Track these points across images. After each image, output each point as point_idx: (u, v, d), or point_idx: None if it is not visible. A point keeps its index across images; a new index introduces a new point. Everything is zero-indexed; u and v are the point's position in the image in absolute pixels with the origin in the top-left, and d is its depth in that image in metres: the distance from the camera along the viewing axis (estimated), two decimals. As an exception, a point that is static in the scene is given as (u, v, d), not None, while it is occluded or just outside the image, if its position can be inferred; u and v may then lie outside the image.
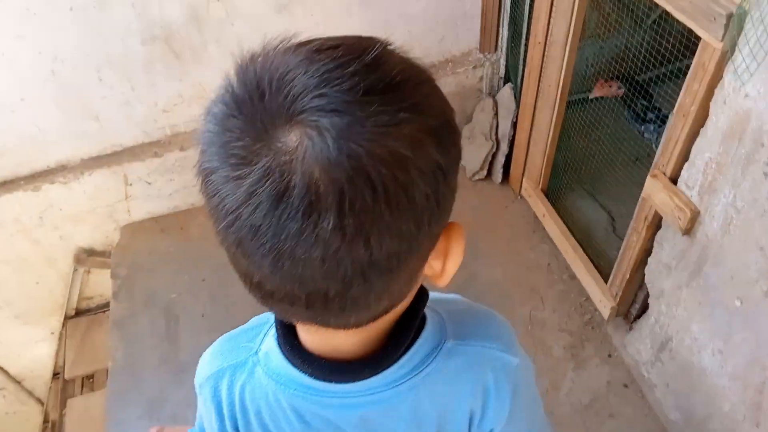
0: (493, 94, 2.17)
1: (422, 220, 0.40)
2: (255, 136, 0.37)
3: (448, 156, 0.41)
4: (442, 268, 0.48)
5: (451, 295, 0.65)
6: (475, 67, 2.11)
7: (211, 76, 1.87)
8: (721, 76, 1.05)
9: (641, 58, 1.79)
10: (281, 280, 0.41)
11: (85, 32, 1.69)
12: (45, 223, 2.07)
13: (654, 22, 2.05)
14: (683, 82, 1.15)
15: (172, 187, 2.12)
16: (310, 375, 0.52)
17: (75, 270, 2.21)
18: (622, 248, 1.55)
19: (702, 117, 1.13)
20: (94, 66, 1.77)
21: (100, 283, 2.32)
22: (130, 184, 2.07)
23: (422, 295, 0.53)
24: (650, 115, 1.75)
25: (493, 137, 2.11)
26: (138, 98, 1.89)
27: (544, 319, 1.84)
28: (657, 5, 1.26)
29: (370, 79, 0.38)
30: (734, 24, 0.97)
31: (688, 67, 1.49)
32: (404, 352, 0.53)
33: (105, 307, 2.40)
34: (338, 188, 0.36)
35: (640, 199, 1.40)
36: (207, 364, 0.61)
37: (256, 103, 0.38)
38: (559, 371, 1.73)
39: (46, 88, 1.77)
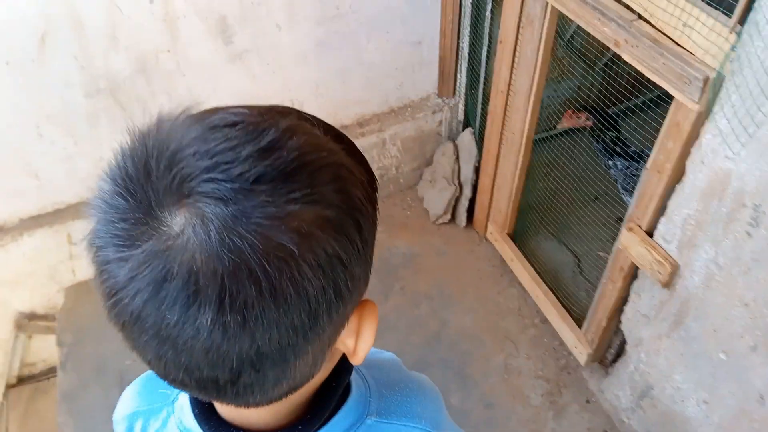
0: (452, 138, 2.15)
1: (318, 312, 0.38)
2: (140, 218, 0.35)
3: (351, 244, 0.39)
4: (354, 347, 0.46)
5: (387, 357, 0.64)
6: (434, 112, 2.10)
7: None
8: (698, 136, 1.05)
9: (596, 96, 1.82)
10: (167, 367, 0.39)
11: (22, 87, 1.57)
12: (-21, 289, 1.89)
13: (605, 64, 2.10)
14: (645, 116, 1.15)
15: (121, 244, 1.99)
16: None
17: (16, 336, 2.04)
18: (596, 296, 1.54)
19: (678, 174, 1.13)
20: (33, 121, 1.64)
21: (44, 348, 2.15)
22: (74, 244, 1.93)
23: (342, 369, 0.52)
24: (618, 149, 1.77)
25: (456, 181, 2.09)
26: (81, 153, 1.76)
27: (520, 367, 1.81)
28: (607, 49, 1.28)
29: (262, 165, 0.36)
30: (711, 87, 0.97)
31: (647, 102, 1.52)
32: (321, 426, 0.50)
33: (50, 372, 2.22)
34: (219, 282, 0.34)
35: (613, 251, 1.39)
36: (125, 401, 0.60)
37: (143, 181, 0.36)
38: (539, 421, 1.70)
39: (-21, 146, 1.63)
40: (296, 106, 0.46)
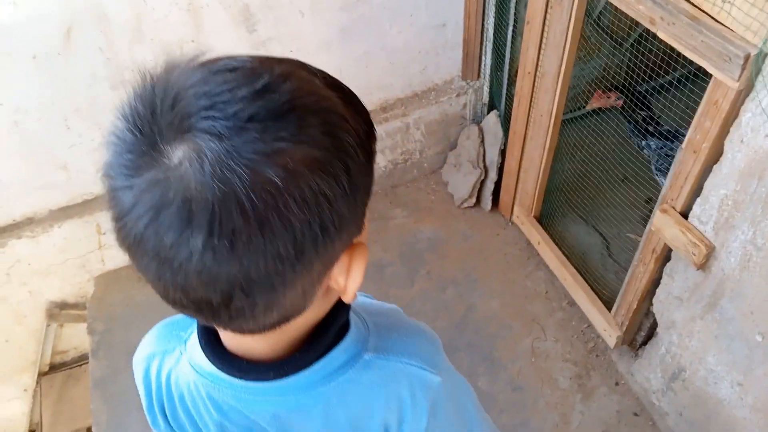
0: (477, 121, 2.13)
1: (303, 245, 0.41)
2: (145, 150, 0.39)
3: (337, 185, 0.42)
4: (345, 285, 0.49)
5: (389, 307, 0.67)
6: (458, 95, 2.07)
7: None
8: (737, 115, 1.03)
9: (625, 74, 1.78)
10: (165, 287, 0.43)
11: (49, 81, 1.58)
12: (12, 280, 1.93)
13: (634, 42, 2.05)
14: (679, 93, 1.12)
15: (149, 233, 2.01)
16: (223, 371, 0.54)
17: (48, 326, 2.08)
18: (627, 278, 1.52)
19: (715, 154, 1.11)
20: (61, 114, 1.66)
21: (75, 336, 2.19)
22: (104, 233, 1.95)
23: (339, 309, 0.55)
24: (651, 129, 1.73)
25: (481, 165, 2.07)
26: (109, 144, 1.78)
27: (547, 350, 1.80)
28: (637, 25, 1.24)
29: (255, 105, 0.39)
30: (753, 64, 0.95)
31: (680, 78, 1.49)
32: (317, 359, 0.54)
33: (81, 360, 2.27)
34: (210, 209, 0.38)
35: (646, 232, 1.37)
36: (143, 346, 0.65)
37: (149, 119, 0.39)
38: (567, 404, 1.70)
39: (9, 140, 1.65)
40: None
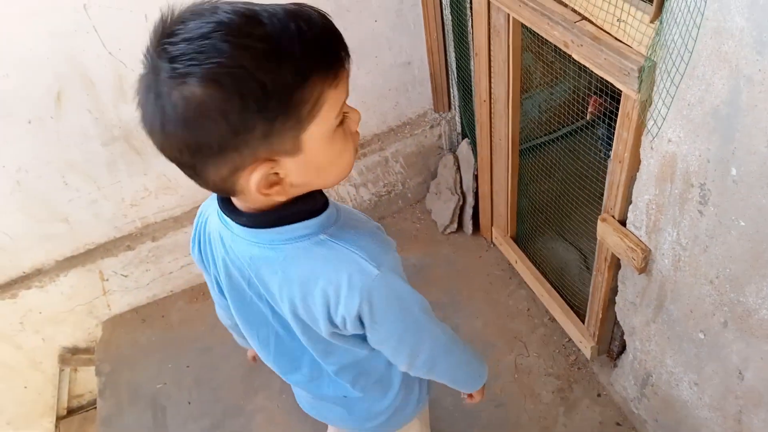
0: (453, 149, 2.23)
1: (224, 141, 0.62)
2: (152, 68, 0.61)
3: (224, 119, 0.61)
4: (256, 186, 0.68)
5: (367, 219, 0.84)
6: (432, 127, 2.18)
7: (173, 169, 1.91)
8: (644, 124, 1.10)
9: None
10: (160, 148, 0.65)
11: (45, 142, 1.73)
12: (26, 328, 2.07)
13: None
14: None
15: (149, 276, 2.14)
16: (225, 214, 0.78)
17: (61, 370, 2.20)
18: (590, 289, 1.57)
19: (635, 162, 1.17)
20: (58, 172, 1.81)
21: (89, 380, 2.31)
22: (107, 280, 2.09)
23: (316, 196, 0.76)
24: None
25: (459, 191, 2.16)
26: (105, 196, 1.93)
27: (530, 366, 1.84)
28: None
29: (195, 36, 0.60)
30: (645, 76, 1.03)
31: None
32: (280, 224, 0.74)
33: (96, 402, 2.38)
34: (160, 105, 0.61)
35: (598, 242, 1.43)
36: (204, 203, 0.89)
37: (159, 47, 0.61)
38: (551, 417, 1.72)
39: (13, 197, 1.80)
40: None
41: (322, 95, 0.65)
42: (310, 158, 0.68)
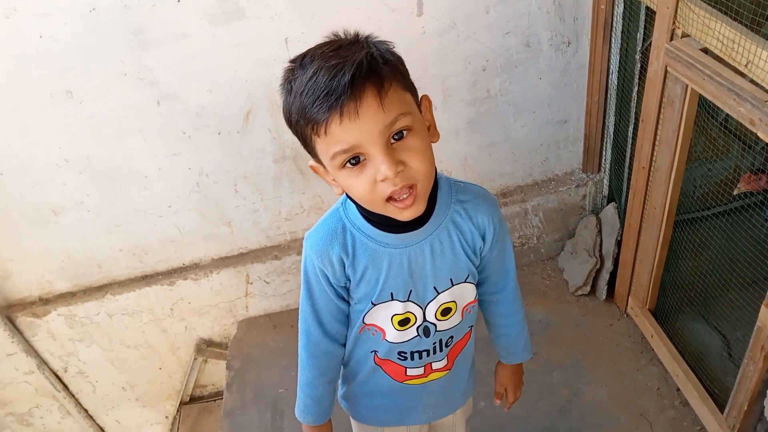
0: (596, 211, 2.21)
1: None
2: None
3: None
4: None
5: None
6: (577, 186, 2.18)
7: (328, 190, 2.07)
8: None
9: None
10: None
11: (228, 152, 1.95)
12: (174, 315, 2.29)
13: (764, 147, 2.04)
14: None
15: (287, 287, 2.29)
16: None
17: (195, 359, 2.40)
18: (738, 378, 1.48)
19: (818, 251, 1.12)
20: (232, 180, 2.03)
21: (214, 373, 2.50)
22: (251, 283, 2.27)
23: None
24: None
25: (597, 254, 2.13)
26: (265, 208, 2.12)
27: (654, 448, 1.75)
28: None
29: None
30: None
31: None
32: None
33: (216, 396, 2.56)
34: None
35: (755, 328, 1.36)
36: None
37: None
38: (672, 508, 1.62)
39: (191, 197, 2.04)
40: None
41: (312, 140, 0.79)
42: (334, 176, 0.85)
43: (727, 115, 2.05)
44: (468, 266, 0.99)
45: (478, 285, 1.06)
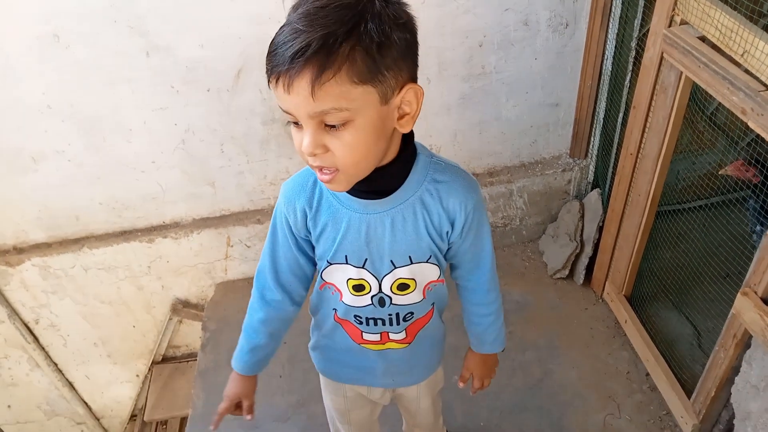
0: (580, 197, 2.23)
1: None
2: None
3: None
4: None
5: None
6: (564, 171, 2.19)
7: (318, 157, 2.05)
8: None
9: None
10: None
11: (216, 110, 1.92)
12: (151, 273, 2.27)
13: (749, 143, 2.07)
14: None
15: (268, 252, 2.28)
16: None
17: (170, 319, 2.38)
18: (707, 364, 1.52)
19: (796, 241, 1.14)
20: (219, 140, 1.99)
21: (189, 334, 2.48)
22: (232, 246, 2.25)
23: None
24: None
25: (578, 238, 2.15)
26: (251, 170, 2.09)
27: (620, 428, 1.79)
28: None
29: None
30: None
31: None
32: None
33: (189, 357, 2.55)
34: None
35: (729, 316, 1.39)
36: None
37: None
38: (633, 486, 1.66)
39: (175, 154, 2.00)
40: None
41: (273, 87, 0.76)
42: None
43: (716, 109, 2.08)
44: (431, 248, 0.96)
45: (452, 268, 1.06)
